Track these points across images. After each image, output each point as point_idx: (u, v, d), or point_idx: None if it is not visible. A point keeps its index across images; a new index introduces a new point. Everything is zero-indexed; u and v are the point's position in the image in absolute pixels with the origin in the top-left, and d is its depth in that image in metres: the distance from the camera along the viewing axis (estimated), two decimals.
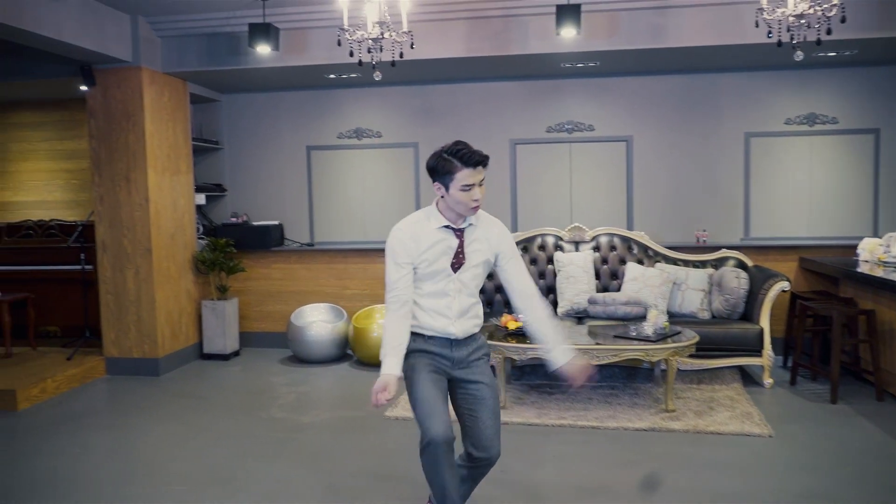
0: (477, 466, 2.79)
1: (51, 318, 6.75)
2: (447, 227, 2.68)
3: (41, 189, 7.63)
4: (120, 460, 4.05)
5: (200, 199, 6.62)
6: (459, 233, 2.69)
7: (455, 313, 2.72)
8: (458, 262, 2.69)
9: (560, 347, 2.84)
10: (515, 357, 4.74)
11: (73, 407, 5.06)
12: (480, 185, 2.61)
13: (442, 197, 2.64)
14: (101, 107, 5.80)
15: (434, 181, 2.65)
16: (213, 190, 6.86)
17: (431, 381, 2.68)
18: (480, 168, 2.59)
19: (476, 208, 2.64)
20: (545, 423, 4.48)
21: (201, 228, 6.72)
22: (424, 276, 2.70)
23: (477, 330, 2.83)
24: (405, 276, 2.68)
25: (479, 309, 2.83)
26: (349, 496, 3.49)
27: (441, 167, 2.59)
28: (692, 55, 5.63)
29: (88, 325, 6.16)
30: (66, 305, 6.66)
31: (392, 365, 2.62)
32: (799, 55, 4.38)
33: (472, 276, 2.73)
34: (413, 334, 2.73)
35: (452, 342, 2.74)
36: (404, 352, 2.66)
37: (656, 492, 3.38)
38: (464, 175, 2.56)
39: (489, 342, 4.61)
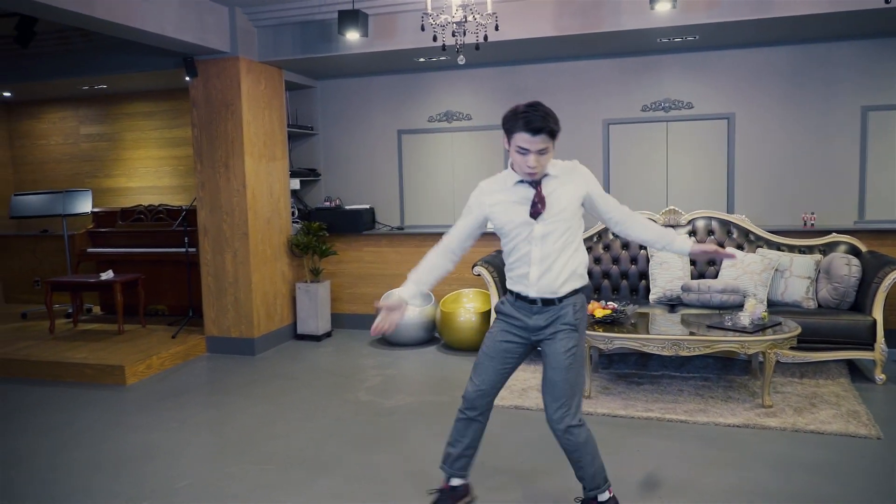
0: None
1: (160, 297, 7.21)
2: (521, 181, 2.72)
3: (151, 175, 8.10)
4: (214, 436, 4.27)
5: (295, 184, 6.82)
6: (536, 185, 2.70)
7: (536, 271, 2.74)
8: (536, 211, 2.67)
9: (679, 238, 2.90)
10: (602, 346, 4.61)
11: (175, 383, 5.38)
12: (541, 153, 2.59)
13: (507, 150, 2.72)
14: (203, 96, 6.06)
15: (506, 137, 2.69)
16: (308, 175, 7.04)
17: (492, 347, 2.89)
18: (543, 137, 2.56)
19: (532, 174, 2.64)
20: (631, 416, 4.35)
21: (296, 212, 6.93)
22: (505, 231, 2.77)
23: (567, 290, 2.79)
24: (466, 224, 2.84)
25: (576, 265, 2.79)
26: (430, 483, 3.52)
27: (508, 123, 2.63)
28: (802, 24, 5.22)
29: (192, 305, 6.52)
30: (174, 286, 7.10)
31: (406, 288, 2.78)
32: None
33: (558, 224, 2.70)
34: (508, 292, 2.89)
35: (533, 306, 2.79)
36: (426, 287, 2.84)
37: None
38: (521, 138, 2.57)
39: None
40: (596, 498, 2.91)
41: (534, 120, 2.53)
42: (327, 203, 7.01)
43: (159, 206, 7.31)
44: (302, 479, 3.63)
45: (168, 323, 6.78)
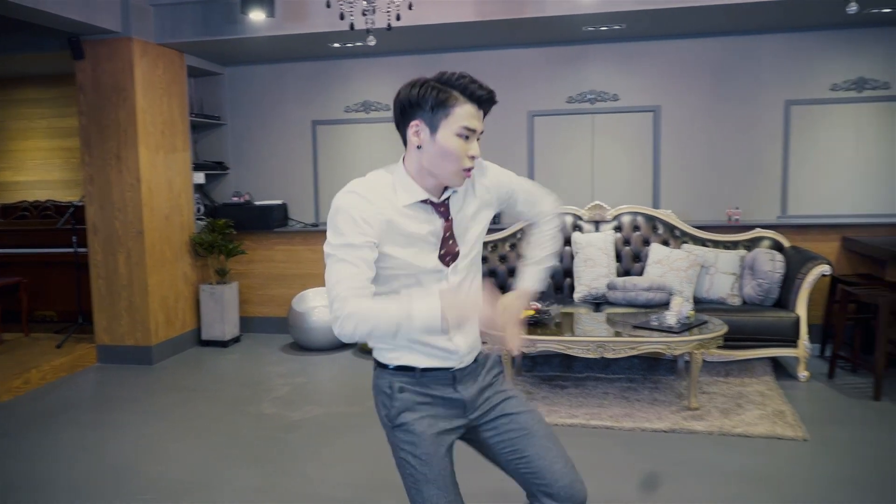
0: None
1: (47, 302, 6.57)
2: (426, 201, 1.77)
3: (40, 168, 7.43)
4: (90, 463, 3.76)
5: (200, 177, 6.31)
6: (443, 208, 1.79)
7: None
8: (448, 253, 1.79)
9: (532, 269, 2.00)
10: (525, 349, 4.34)
11: (56, 400, 4.81)
12: (478, 138, 1.74)
13: (418, 147, 1.73)
14: (91, 81, 5.49)
15: (410, 121, 1.73)
16: (214, 168, 6.54)
17: (441, 468, 1.81)
18: (482, 113, 1.74)
19: (469, 173, 1.75)
20: (554, 423, 4.08)
21: (201, 209, 6.42)
22: (394, 280, 1.77)
23: (479, 345, 1.94)
24: (359, 273, 1.69)
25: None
26: None
27: (427, 98, 1.69)
28: (727, 14, 5.07)
29: (82, 311, 5.94)
30: (62, 290, 6.46)
31: (434, 301, 1.65)
32: (853, 7, 3.85)
33: (471, 261, 1.85)
34: (396, 371, 1.84)
35: (455, 374, 1.85)
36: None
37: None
38: (465, 113, 1.69)
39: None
40: None
41: (479, 86, 1.71)
42: (236, 198, 6.52)
43: (46, 202, 6.69)
44: None
45: (56, 331, 6.16)
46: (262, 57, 6.36)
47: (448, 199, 1.80)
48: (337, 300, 1.66)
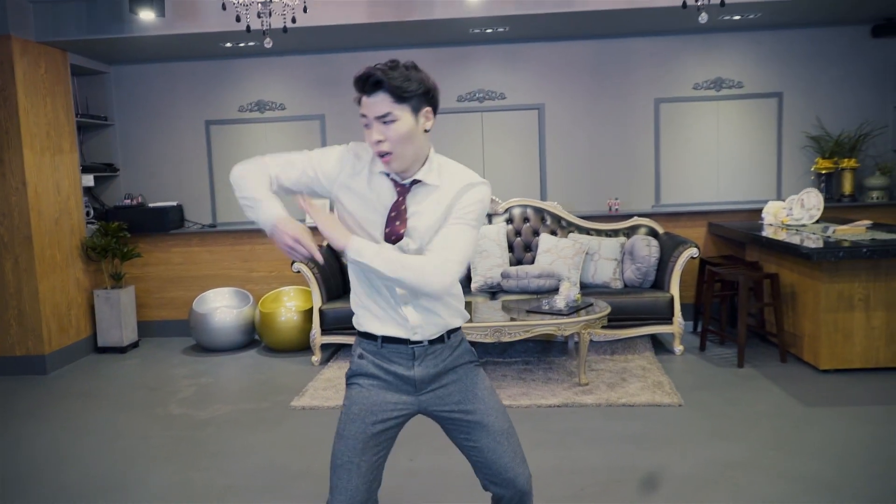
0: None
1: None
2: (388, 175, 1.88)
3: None
4: None
5: (88, 180, 6.13)
6: (402, 190, 1.88)
7: (399, 300, 1.90)
8: (392, 232, 1.85)
9: (369, 243, 1.85)
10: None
11: None
12: (386, 122, 1.79)
13: None
14: None
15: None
16: (103, 170, 6.36)
17: (360, 431, 1.91)
18: (384, 97, 1.78)
19: (382, 155, 1.81)
20: None
21: (91, 212, 6.24)
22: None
23: (451, 326, 1.98)
24: (299, 174, 1.91)
25: (453, 289, 1.95)
26: (249, 497, 3.27)
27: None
28: (601, 19, 5.51)
29: None
30: None
31: (276, 206, 1.83)
32: (703, 17, 4.32)
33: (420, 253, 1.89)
34: (361, 338, 1.99)
35: (415, 350, 1.93)
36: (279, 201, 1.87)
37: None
38: (362, 105, 1.83)
39: None
40: None
41: (360, 74, 1.80)
42: (128, 201, 6.37)
43: None
44: None
45: None
46: (151, 56, 6.25)
47: (412, 184, 1.87)
48: (260, 158, 1.95)
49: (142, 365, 5.64)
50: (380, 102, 1.78)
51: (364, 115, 1.82)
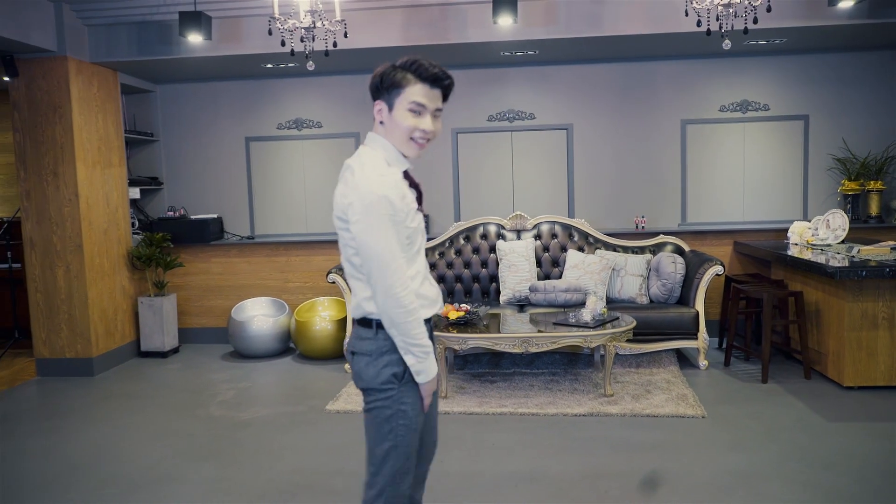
0: None
1: None
2: (406, 172, 2.11)
3: None
4: (46, 464, 3.91)
5: (135, 192, 6.43)
6: (407, 177, 2.11)
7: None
8: (420, 196, 2.13)
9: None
10: (457, 347, 4.74)
11: None
12: (436, 115, 2.03)
13: (381, 123, 2.05)
14: (25, 98, 5.57)
15: (375, 100, 2.05)
16: (149, 183, 6.67)
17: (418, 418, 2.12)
18: (441, 94, 2.04)
19: (422, 146, 2.04)
20: (486, 412, 4.51)
21: (136, 223, 6.54)
22: (414, 237, 2.07)
23: None
24: (416, 248, 2.08)
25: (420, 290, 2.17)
26: (287, 494, 3.46)
27: (390, 78, 1.99)
28: (628, 43, 5.69)
29: (18, 325, 5.95)
30: None
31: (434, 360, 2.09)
32: (727, 44, 4.47)
33: None
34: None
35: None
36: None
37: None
38: (416, 91, 1.98)
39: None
40: None
41: (429, 66, 1.98)
42: (171, 213, 6.67)
43: None
44: (149, 499, 3.43)
45: None
46: (195, 75, 6.56)
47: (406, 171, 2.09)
48: (403, 273, 1.97)
49: (183, 369, 5.88)
50: (438, 98, 2.03)
51: (421, 104, 1.99)
